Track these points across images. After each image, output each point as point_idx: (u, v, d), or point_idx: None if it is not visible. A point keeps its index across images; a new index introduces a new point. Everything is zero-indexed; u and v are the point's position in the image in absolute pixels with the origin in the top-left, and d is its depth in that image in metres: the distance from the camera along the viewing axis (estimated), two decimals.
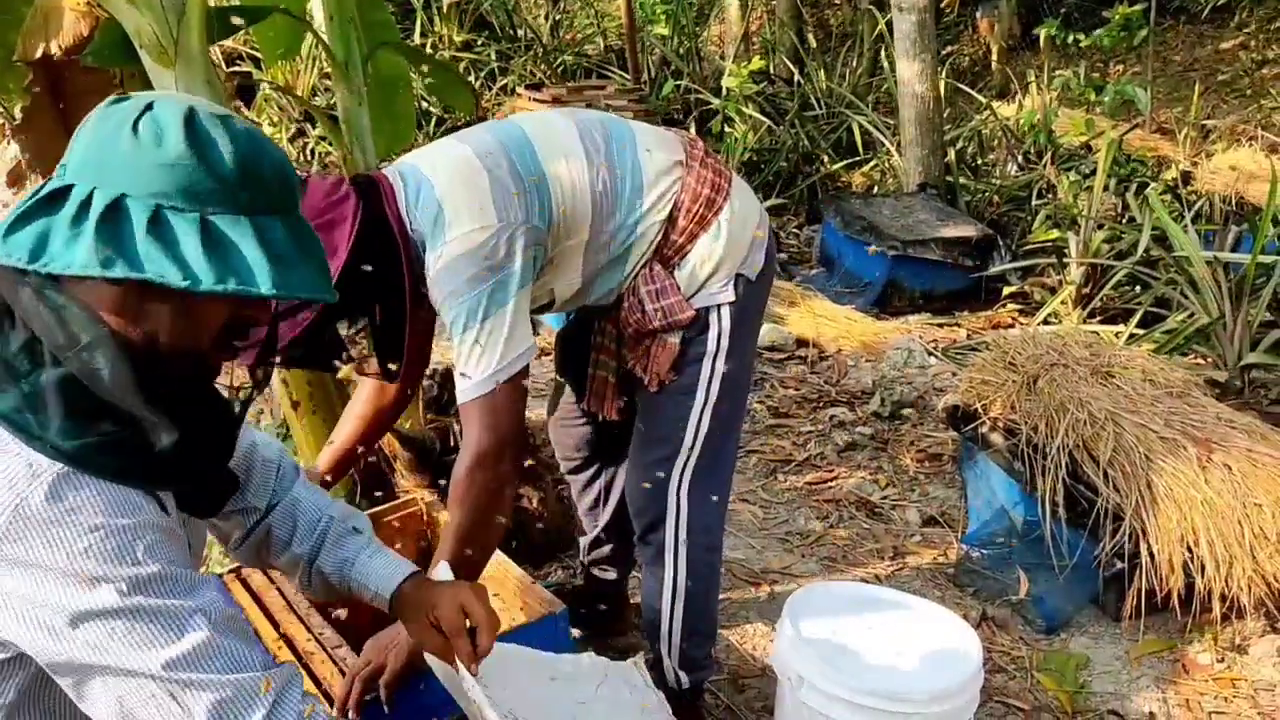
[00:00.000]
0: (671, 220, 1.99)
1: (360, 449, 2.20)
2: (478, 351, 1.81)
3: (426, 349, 2.23)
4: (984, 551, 3.02)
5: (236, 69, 7.22)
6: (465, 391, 1.83)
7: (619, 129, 2.03)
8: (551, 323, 4.54)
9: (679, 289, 2.00)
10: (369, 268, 1.80)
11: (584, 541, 2.63)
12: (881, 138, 6.78)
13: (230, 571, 2.16)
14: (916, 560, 3.06)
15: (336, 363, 2.03)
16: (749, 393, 2.43)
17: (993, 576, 2.94)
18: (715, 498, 2.17)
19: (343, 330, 2.00)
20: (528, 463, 2.87)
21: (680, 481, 2.10)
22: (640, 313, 2.02)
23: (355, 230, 1.75)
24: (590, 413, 2.32)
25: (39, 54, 2.36)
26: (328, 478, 2.17)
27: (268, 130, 7.37)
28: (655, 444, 2.11)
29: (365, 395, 2.18)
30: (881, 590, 2.23)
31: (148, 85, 2.27)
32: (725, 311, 2.03)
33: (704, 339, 2.03)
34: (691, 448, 2.08)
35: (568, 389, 2.43)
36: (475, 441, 1.83)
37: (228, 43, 6.66)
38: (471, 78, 8.20)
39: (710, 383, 2.05)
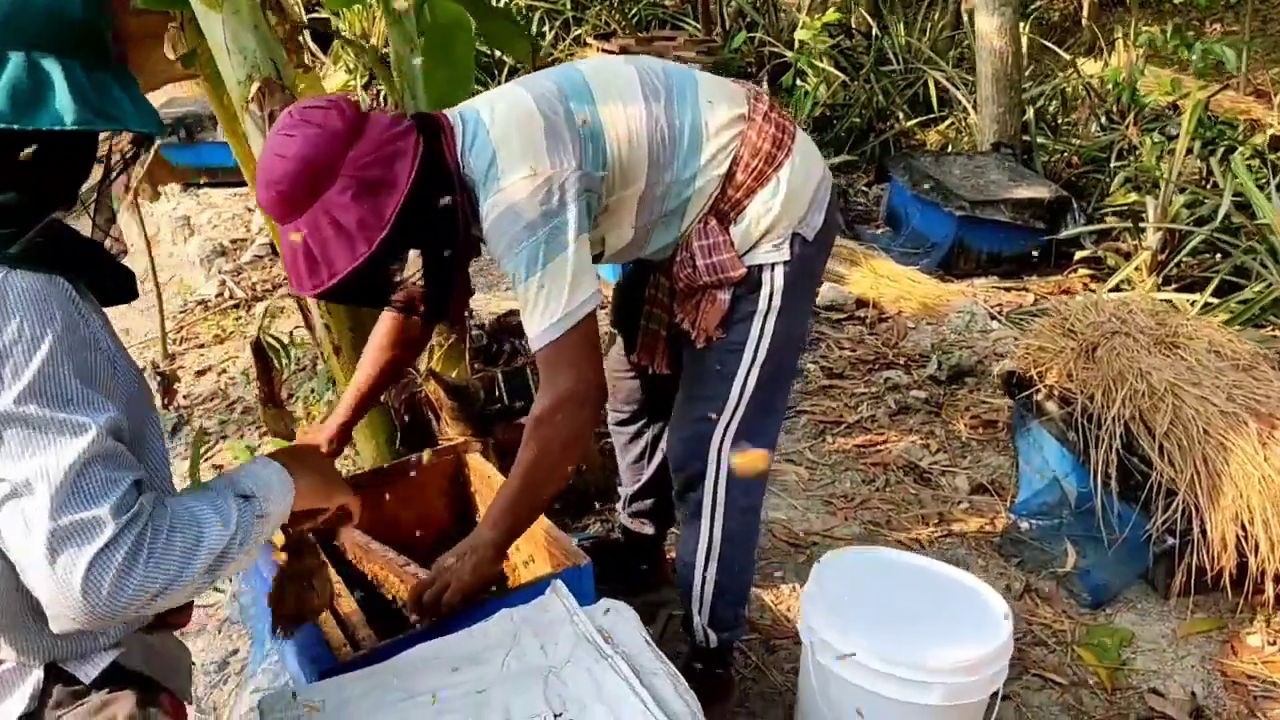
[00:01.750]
0: (730, 175, 1.95)
1: (379, 391, 2.23)
2: (543, 299, 1.79)
3: (466, 296, 2.22)
4: (1032, 522, 2.96)
5: (316, 15, 7.28)
6: (537, 339, 1.81)
7: (681, 78, 1.99)
8: (607, 274, 4.53)
9: (733, 245, 1.97)
10: (427, 206, 1.78)
11: (624, 493, 2.63)
12: (959, 95, 6.59)
13: None
14: (962, 527, 3.01)
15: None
16: (800, 355, 2.39)
17: (1040, 547, 2.88)
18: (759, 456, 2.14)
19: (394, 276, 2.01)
20: None
21: (722, 440, 2.08)
22: (691, 267, 2.00)
23: (416, 166, 1.74)
24: (640, 366, 2.31)
25: None
26: (339, 428, 2.18)
27: (342, 77, 7.43)
28: (699, 401, 2.09)
29: (382, 337, 2.18)
30: (914, 557, 2.19)
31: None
32: (779, 270, 1.99)
33: (755, 297, 2.00)
34: (736, 407, 2.05)
35: (620, 341, 2.42)
36: (557, 386, 1.81)
37: None
38: (545, 27, 8.16)
39: (759, 342, 2.02)
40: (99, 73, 1.20)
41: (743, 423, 2.07)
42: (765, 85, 6.92)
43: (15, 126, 1.11)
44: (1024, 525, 2.96)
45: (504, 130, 1.82)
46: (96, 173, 1.32)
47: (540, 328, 1.80)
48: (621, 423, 2.54)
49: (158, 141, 1.33)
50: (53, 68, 1.15)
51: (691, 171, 1.94)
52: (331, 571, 1.83)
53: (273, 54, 2.23)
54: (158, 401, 3.79)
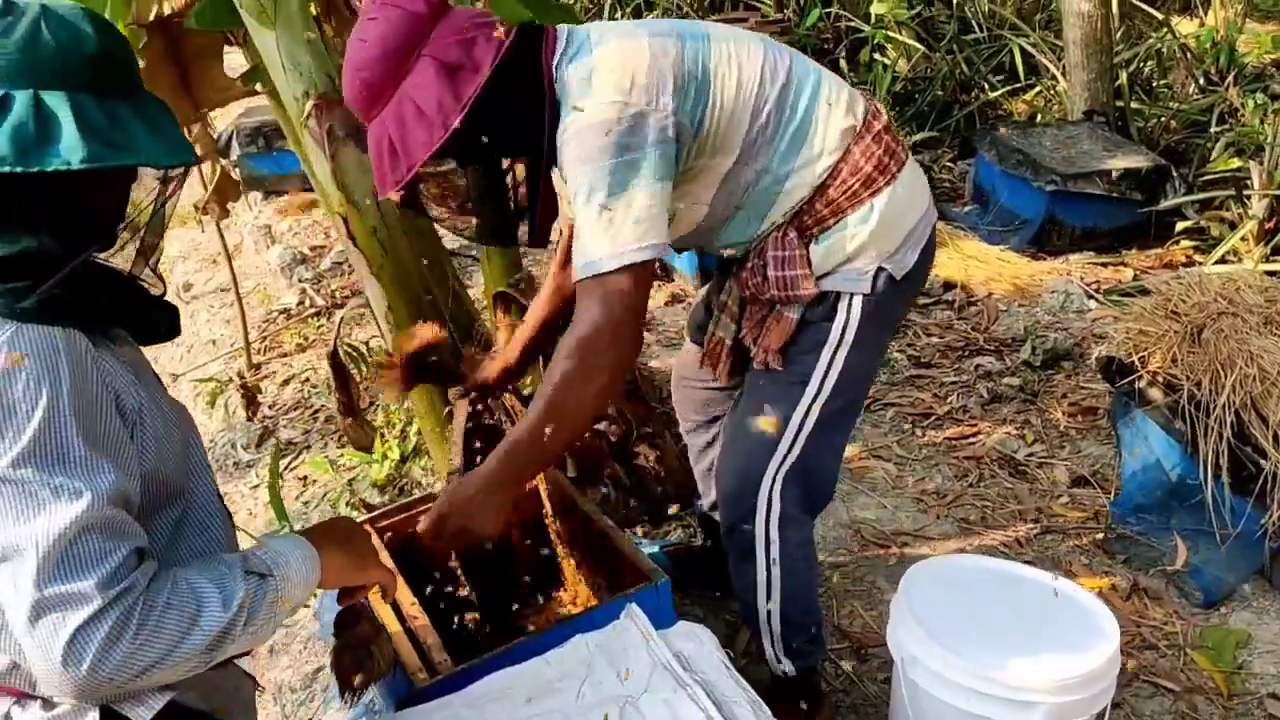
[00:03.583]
0: (823, 188, 1.83)
1: (546, 337, 2.21)
2: (601, 227, 1.66)
3: (551, 214, 2.11)
4: (1138, 516, 2.80)
5: None
6: (583, 268, 1.68)
7: (805, 71, 1.86)
8: (685, 267, 4.46)
9: (809, 263, 1.85)
10: (510, 102, 1.73)
11: (700, 505, 2.56)
12: (1047, 61, 6.33)
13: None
14: (1062, 523, 2.87)
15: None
16: (866, 397, 2.28)
17: (1147, 543, 2.73)
18: (815, 496, 2.05)
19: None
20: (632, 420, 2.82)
21: (775, 477, 1.97)
22: (761, 277, 1.89)
23: (501, 55, 1.67)
24: (709, 378, 2.24)
25: (152, 16, 2.39)
26: (512, 364, 2.21)
27: None
28: (755, 431, 1.97)
29: (545, 296, 2.20)
30: (1009, 564, 2.07)
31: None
32: (857, 302, 1.87)
33: (828, 326, 1.88)
34: (793, 443, 1.95)
35: (694, 348, 2.34)
36: (586, 321, 1.67)
37: None
38: (617, 12, 8.08)
39: (826, 375, 1.91)
40: (115, 103, 1.17)
41: (799, 461, 1.96)
42: (843, 63, 6.74)
43: (19, 170, 1.07)
44: (1129, 520, 2.81)
45: (608, 53, 1.73)
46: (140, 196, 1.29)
47: (592, 255, 1.67)
48: (692, 430, 2.46)
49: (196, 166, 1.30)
50: (60, 105, 1.12)
51: (785, 169, 1.83)
52: (389, 630, 1.81)
53: (328, 68, 2.20)
54: (242, 414, 3.83)
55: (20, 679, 1.24)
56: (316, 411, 3.82)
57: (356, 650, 1.58)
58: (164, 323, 1.32)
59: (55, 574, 1.07)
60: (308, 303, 4.69)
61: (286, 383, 4.10)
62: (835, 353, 1.89)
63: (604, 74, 1.70)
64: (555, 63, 1.75)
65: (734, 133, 1.80)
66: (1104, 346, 3.06)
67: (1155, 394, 2.75)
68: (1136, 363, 2.81)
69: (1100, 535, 2.80)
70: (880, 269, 1.86)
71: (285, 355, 4.33)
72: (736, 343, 2.06)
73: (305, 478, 3.42)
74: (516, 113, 1.74)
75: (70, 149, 1.10)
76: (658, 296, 4.51)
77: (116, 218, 1.26)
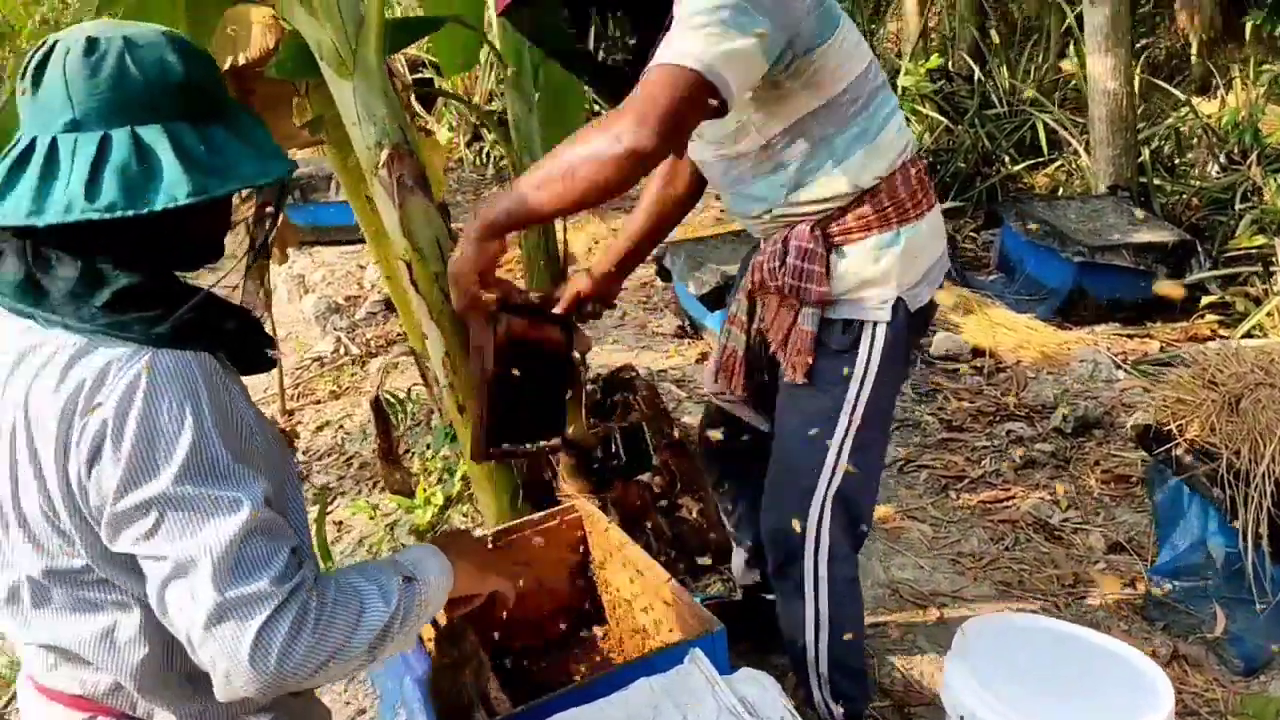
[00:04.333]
0: (859, 198, 1.86)
1: (646, 247, 2.24)
2: (699, 33, 1.60)
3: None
4: (1176, 584, 2.81)
5: (419, 75, 7.46)
6: (660, 55, 1.62)
7: (890, 94, 1.92)
8: (714, 325, 4.50)
9: (827, 267, 1.88)
10: None
11: (736, 561, 2.58)
12: (1068, 137, 6.44)
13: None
14: (1100, 590, 2.87)
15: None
16: (891, 423, 2.31)
17: (1185, 611, 2.73)
18: (858, 527, 2.08)
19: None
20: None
21: (821, 513, 2.01)
22: (779, 262, 1.92)
23: None
24: (729, 431, 2.27)
25: (228, 65, 2.46)
26: (611, 269, 2.18)
27: (445, 135, 7.59)
28: (794, 473, 2.01)
29: (653, 187, 2.20)
30: (1062, 624, 2.08)
31: (327, 96, 2.33)
32: (881, 331, 1.91)
33: (853, 356, 1.92)
34: (831, 477, 1.98)
35: (714, 408, 2.41)
36: (635, 98, 1.61)
37: (410, 50, 6.88)
38: None
39: (856, 406, 1.95)
40: (210, 126, 1.19)
41: (839, 495, 2.00)
42: None
43: (130, 214, 1.11)
44: (1166, 587, 2.81)
45: None
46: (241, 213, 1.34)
47: (676, 48, 1.61)
48: (715, 484, 2.52)
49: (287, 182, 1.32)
50: (158, 139, 1.14)
51: (844, 155, 1.84)
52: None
53: (399, 119, 2.27)
54: None
55: (123, 700, 1.26)
56: (350, 458, 3.85)
57: (457, 670, 1.60)
58: (264, 355, 1.36)
59: (231, 578, 1.10)
60: (342, 351, 4.74)
61: (320, 429, 4.13)
62: (862, 384, 1.93)
63: None
64: None
65: (830, 82, 1.80)
66: (1137, 415, 3.09)
67: (1193, 462, 2.77)
68: (1174, 430, 2.84)
69: (1138, 601, 2.80)
70: (900, 300, 1.91)
71: (319, 402, 4.37)
72: (749, 351, 2.12)
73: (340, 523, 3.44)
74: None
75: (175, 184, 1.12)
76: (689, 353, 4.56)
77: (224, 232, 1.31)
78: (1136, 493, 3.28)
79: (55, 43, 1.15)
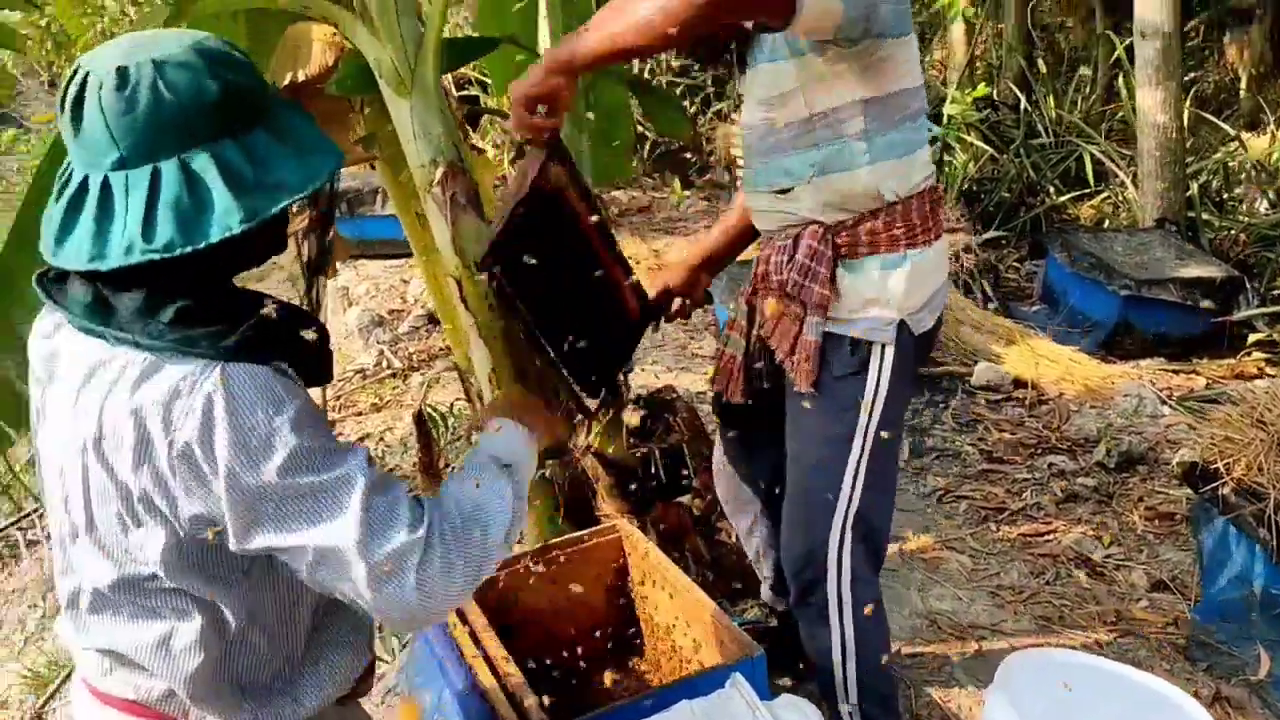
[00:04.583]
0: (874, 213, 1.88)
1: (731, 249, 2.32)
2: None
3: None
4: (1219, 624, 2.77)
5: (465, 93, 7.54)
6: None
7: (926, 121, 1.96)
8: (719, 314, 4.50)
9: (832, 275, 1.90)
10: None
11: (764, 590, 2.58)
12: (1115, 169, 6.40)
13: None
14: (1142, 628, 2.84)
15: None
16: (901, 444, 2.33)
17: (1228, 652, 2.70)
18: (875, 550, 2.08)
19: None
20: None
21: (841, 537, 2.01)
22: (787, 257, 1.94)
23: None
24: (745, 460, 2.31)
25: (287, 81, 2.51)
26: (696, 263, 2.30)
27: (491, 153, 7.66)
28: (812, 500, 2.02)
29: (736, 206, 2.26)
30: (1105, 661, 2.06)
31: (383, 113, 2.37)
32: (889, 353, 1.92)
33: (862, 379, 1.93)
34: (849, 500, 1.99)
35: (725, 440, 2.45)
36: None
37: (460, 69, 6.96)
38: (686, 103, 8.27)
39: (869, 427, 1.95)
40: (253, 132, 1.19)
41: (858, 518, 2.00)
42: None
43: (189, 250, 1.12)
44: (1210, 627, 2.77)
45: None
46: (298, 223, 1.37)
47: None
48: (735, 513, 2.54)
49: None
50: (205, 166, 1.14)
51: (874, 158, 1.86)
52: None
53: (454, 138, 2.30)
54: None
55: (175, 706, 1.28)
56: (391, 470, 3.88)
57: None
58: (326, 367, 1.38)
59: (371, 544, 1.17)
60: (385, 364, 4.78)
61: (360, 441, 4.17)
62: (874, 407, 1.94)
63: None
64: None
65: (888, 79, 1.83)
66: (1183, 452, 3.06)
67: (1240, 502, 2.74)
68: (1221, 469, 2.80)
69: (1181, 641, 2.76)
70: (904, 323, 1.92)
71: (360, 414, 4.41)
72: (747, 356, 2.14)
73: None
74: None
75: (226, 212, 1.13)
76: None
77: (284, 231, 1.35)
78: (1180, 530, 3.24)
79: (86, 74, 1.15)
